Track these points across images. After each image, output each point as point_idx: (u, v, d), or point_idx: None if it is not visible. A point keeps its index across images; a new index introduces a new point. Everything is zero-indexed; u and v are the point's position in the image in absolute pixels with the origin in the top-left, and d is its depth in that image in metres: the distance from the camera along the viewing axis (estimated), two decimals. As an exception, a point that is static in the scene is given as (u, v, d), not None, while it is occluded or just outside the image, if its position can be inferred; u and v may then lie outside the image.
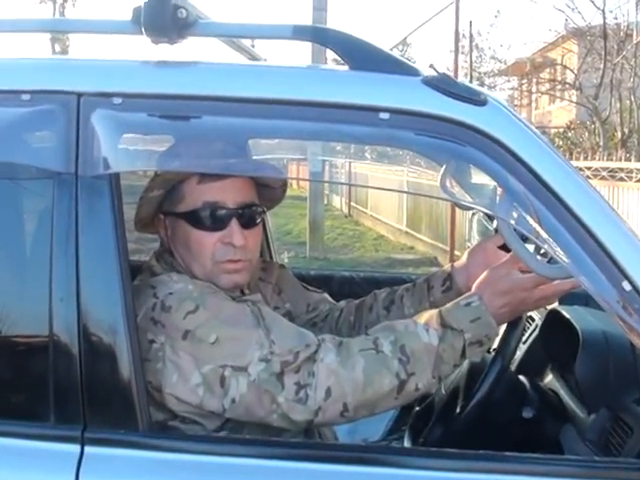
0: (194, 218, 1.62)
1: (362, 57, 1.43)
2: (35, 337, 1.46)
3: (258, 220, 1.69)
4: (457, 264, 1.87)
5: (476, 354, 1.56)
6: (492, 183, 1.43)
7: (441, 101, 1.40)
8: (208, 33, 1.51)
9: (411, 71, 1.44)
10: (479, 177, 1.47)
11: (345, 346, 1.51)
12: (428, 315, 1.56)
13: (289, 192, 1.98)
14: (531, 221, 1.36)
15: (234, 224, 1.62)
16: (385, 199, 15.05)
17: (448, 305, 1.58)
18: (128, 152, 1.46)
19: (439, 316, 1.54)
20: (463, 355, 1.54)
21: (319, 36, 1.50)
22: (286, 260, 9.51)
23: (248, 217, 1.65)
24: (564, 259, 1.35)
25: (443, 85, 1.40)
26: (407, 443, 1.96)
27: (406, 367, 1.49)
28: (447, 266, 1.91)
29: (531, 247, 1.50)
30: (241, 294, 1.70)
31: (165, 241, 1.70)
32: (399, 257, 11.64)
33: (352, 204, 18.31)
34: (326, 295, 2.04)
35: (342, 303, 1.99)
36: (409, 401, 1.56)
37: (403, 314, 1.83)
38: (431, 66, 1.44)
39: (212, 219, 1.62)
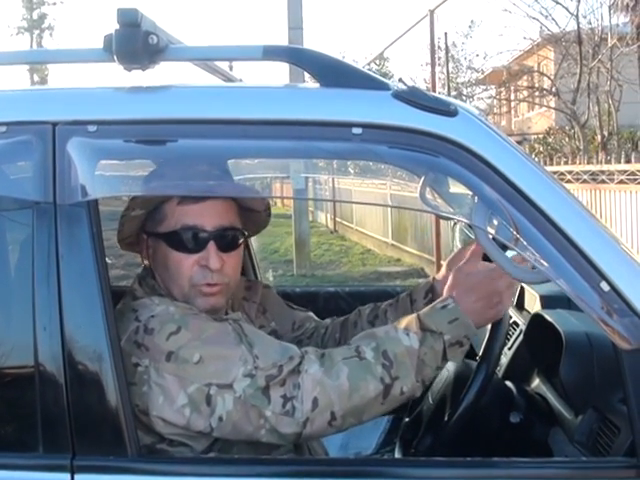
0: (173, 239, 1.63)
1: (332, 74, 1.45)
2: (20, 366, 1.46)
3: (238, 243, 1.70)
4: (438, 275, 1.89)
5: (457, 355, 1.57)
6: (469, 192, 1.44)
7: (412, 114, 1.41)
8: (180, 57, 1.52)
9: (381, 85, 1.46)
10: (458, 187, 1.48)
11: (328, 356, 1.53)
12: (407, 320, 1.58)
13: (274, 211, 1.99)
14: (507, 228, 1.38)
15: (211, 247, 1.63)
16: (370, 213, 15.06)
17: (425, 309, 1.61)
18: (105, 178, 1.46)
19: (418, 320, 1.56)
20: (444, 357, 1.55)
21: (288, 55, 1.51)
22: (271, 279, 9.50)
23: (227, 240, 1.66)
24: (542, 263, 1.37)
25: (413, 98, 1.42)
26: (398, 454, 1.96)
27: (390, 371, 1.51)
28: (429, 278, 1.93)
29: (511, 254, 1.51)
30: (224, 314, 1.70)
31: (148, 261, 1.71)
32: (386, 270, 11.65)
33: (337, 219, 18.31)
34: (311, 313, 2.05)
35: (327, 321, 2.00)
36: (395, 406, 1.56)
37: (387, 328, 1.84)
38: (400, 80, 1.45)
39: (189, 242, 1.63)
